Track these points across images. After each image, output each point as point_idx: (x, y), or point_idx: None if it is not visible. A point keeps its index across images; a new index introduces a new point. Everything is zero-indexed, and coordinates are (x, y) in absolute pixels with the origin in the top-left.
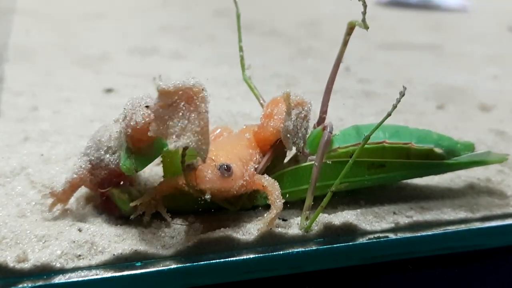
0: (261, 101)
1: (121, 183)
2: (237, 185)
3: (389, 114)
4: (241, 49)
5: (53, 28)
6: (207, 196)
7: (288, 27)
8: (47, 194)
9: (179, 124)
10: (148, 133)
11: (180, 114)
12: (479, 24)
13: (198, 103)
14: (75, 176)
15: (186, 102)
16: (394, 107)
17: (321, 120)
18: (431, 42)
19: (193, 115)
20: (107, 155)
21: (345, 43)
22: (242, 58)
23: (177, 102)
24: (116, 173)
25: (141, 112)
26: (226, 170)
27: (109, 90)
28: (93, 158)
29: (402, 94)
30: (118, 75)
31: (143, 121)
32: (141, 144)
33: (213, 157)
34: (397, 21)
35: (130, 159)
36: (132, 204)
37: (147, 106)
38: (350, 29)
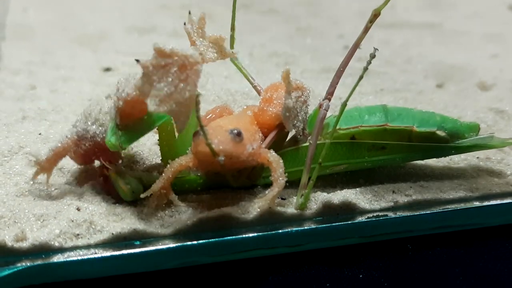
0: (255, 84)
1: (117, 163)
2: (247, 151)
3: (361, 77)
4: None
5: (50, 7)
6: (221, 158)
7: (287, 5)
8: (31, 162)
9: (165, 89)
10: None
11: (170, 79)
12: (479, 2)
13: (190, 74)
14: (59, 145)
15: (178, 69)
16: (365, 69)
17: (327, 100)
18: (431, 21)
19: (181, 84)
20: (94, 127)
21: (365, 30)
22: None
23: (170, 66)
24: (101, 147)
25: (133, 83)
26: (237, 135)
27: (107, 69)
28: (80, 129)
29: (372, 56)
30: (116, 54)
31: (134, 92)
32: (129, 120)
33: (222, 125)
34: (397, 0)
35: (116, 135)
36: (142, 196)
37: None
38: (375, 16)
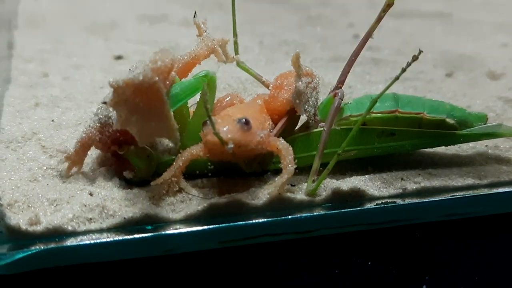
0: (263, 80)
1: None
2: (255, 140)
3: (397, 78)
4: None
5: None
6: (230, 147)
7: None
8: (62, 159)
9: (140, 121)
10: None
11: (140, 110)
12: None
13: (152, 93)
14: (84, 135)
15: (141, 98)
16: (403, 70)
17: (337, 89)
18: (441, 10)
19: (152, 107)
20: (115, 112)
21: (378, 20)
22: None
23: (133, 98)
24: (123, 131)
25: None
26: (245, 124)
27: (118, 57)
28: (101, 116)
29: (415, 58)
30: (127, 42)
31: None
32: None
33: (230, 114)
34: None
35: None
36: (153, 184)
37: (104, 102)
38: (388, 6)
